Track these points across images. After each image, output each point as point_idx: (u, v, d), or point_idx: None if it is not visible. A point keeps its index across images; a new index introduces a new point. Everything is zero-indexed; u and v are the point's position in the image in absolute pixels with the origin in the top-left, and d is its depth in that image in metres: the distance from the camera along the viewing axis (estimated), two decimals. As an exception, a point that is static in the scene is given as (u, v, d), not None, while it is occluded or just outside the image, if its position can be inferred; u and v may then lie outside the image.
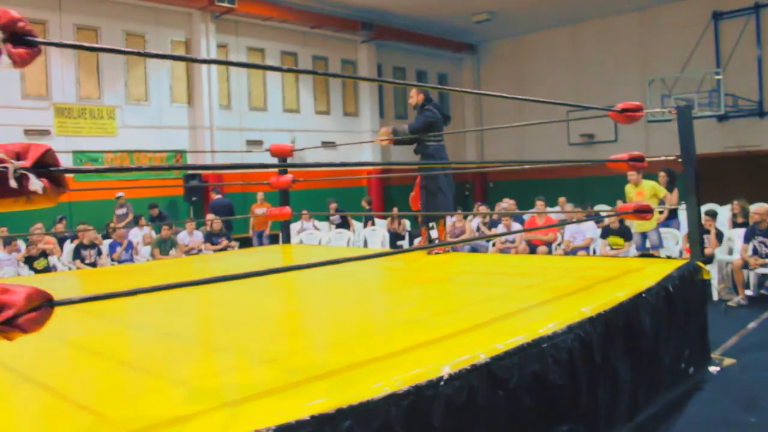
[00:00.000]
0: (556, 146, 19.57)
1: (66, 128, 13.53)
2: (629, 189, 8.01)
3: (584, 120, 17.87)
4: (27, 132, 12.98)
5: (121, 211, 13.38)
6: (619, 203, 12.44)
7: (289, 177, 7.47)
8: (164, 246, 9.67)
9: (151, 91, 14.85)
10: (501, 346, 2.65)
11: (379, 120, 19.17)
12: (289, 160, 7.85)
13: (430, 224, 6.29)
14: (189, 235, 10.19)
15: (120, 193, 13.42)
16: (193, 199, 14.79)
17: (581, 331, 3.07)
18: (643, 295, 3.75)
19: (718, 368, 4.53)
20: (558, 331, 2.94)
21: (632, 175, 7.71)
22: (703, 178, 10.15)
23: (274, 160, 7.44)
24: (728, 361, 4.74)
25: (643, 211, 4.44)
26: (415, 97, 6.25)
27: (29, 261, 8.96)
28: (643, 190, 7.81)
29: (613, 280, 4.06)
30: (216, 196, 13.95)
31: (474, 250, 9.35)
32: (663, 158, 4.72)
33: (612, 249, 7.95)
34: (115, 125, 14.23)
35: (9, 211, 2.08)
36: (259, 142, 16.43)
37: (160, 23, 14.91)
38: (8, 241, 8.79)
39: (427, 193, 6.14)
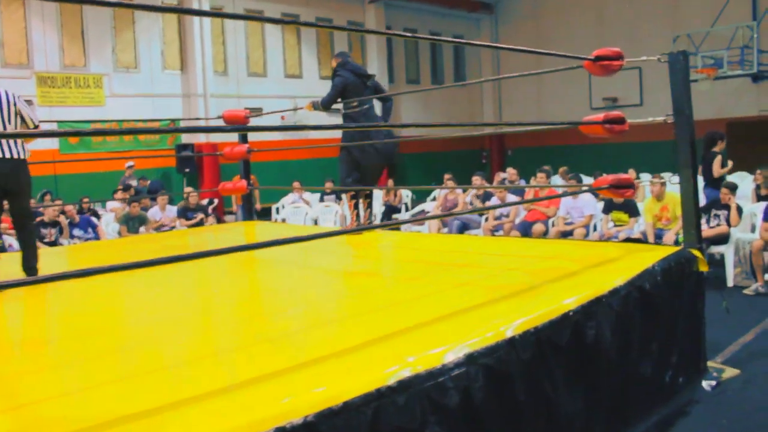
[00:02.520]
0: (578, 110, 18.17)
1: (50, 98, 12.90)
2: (650, 205, 6.70)
3: (608, 81, 16.69)
4: (8, 102, 12.36)
5: (132, 182, 12.76)
6: (624, 174, 11.28)
7: (244, 147, 6.66)
8: (132, 223, 8.97)
9: (141, 58, 14.11)
10: (352, 387, 1.81)
11: (388, 85, 18.17)
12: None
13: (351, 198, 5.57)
14: (161, 211, 9.48)
15: (130, 163, 12.81)
16: (186, 170, 14.11)
17: (491, 360, 2.21)
18: (604, 299, 2.86)
19: (713, 383, 3.61)
20: (449, 363, 2.08)
21: (654, 185, 6.51)
22: (737, 145, 9.10)
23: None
24: (730, 373, 3.82)
25: (622, 186, 3.51)
26: (333, 63, 5.54)
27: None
28: (667, 204, 6.53)
29: (572, 277, 3.17)
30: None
31: (465, 225, 8.46)
32: (654, 119, 3.75)
33: (615, 226, 6.98)
34: (103, 94, 13.55)
35: None
36: (258, 110, 15.61)
37: (149, -16, 14.08)
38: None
39: (341, 163, 5.45)
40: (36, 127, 4.10)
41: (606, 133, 3.53)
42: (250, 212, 7.38)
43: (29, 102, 12.85)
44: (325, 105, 5.38)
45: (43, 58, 12.79)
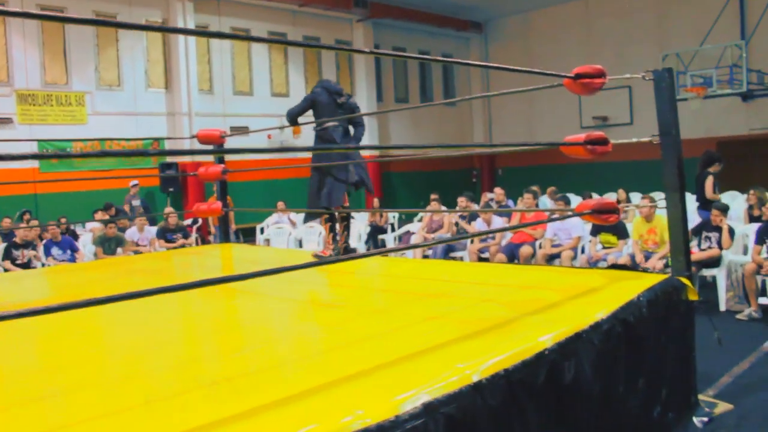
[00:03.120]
0: (568, 129, 17.91)
1: (30, 116, 12.65)
2: (638, 224, 6.46)
3: (598, 100, 16.58)
4: (-14, 120, 12.13)
5: (135, 202, 12.51)
6: (614, 194, 11.03)
7: (219, 167, 6.44)
8: (108, 244, 8.70)
9: (125, 76, 13.89)
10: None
11: (376, 104, 18.03)
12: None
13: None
14: (139, 232, 9.21)
15: (134, 181, 12.59)
16: (170, 189, 13.86)
17: (453, 408, 1.97)
18: (584, 335, 2.63)
19: (705, 419, 3.38)
20: (404, 414, 1.83)
21: (644, 206, 6.30)
22: (727, 164, 9.00)
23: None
24: (723, 407, 3.58)
25: (605, 212, 3.29)
26: None
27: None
28: (655, 227, 6.30)
29: (551, 310, 2.94)
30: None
31: (450, 247, 8.23)
32: (640, 140, 3.55)
33: (604, 248, 6.77)
34: (85, 112, 13.31)
35: None
36: (244, 129, 15.39)
37: (133, 2, 13.90)
38: None
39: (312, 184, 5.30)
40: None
41: (588, 155, 3.32)
42: (226, 234, 7.15)
43: (8, 120, 12.58)
44: (291, 117, 5.29)
45: (24, 75, 12.56)
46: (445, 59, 20.18)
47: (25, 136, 12.29)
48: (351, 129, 5.45)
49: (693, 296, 3.42)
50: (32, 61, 12.64)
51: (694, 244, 6.29)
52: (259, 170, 14.75)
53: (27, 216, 11.46)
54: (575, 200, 8.74)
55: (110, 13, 13.51)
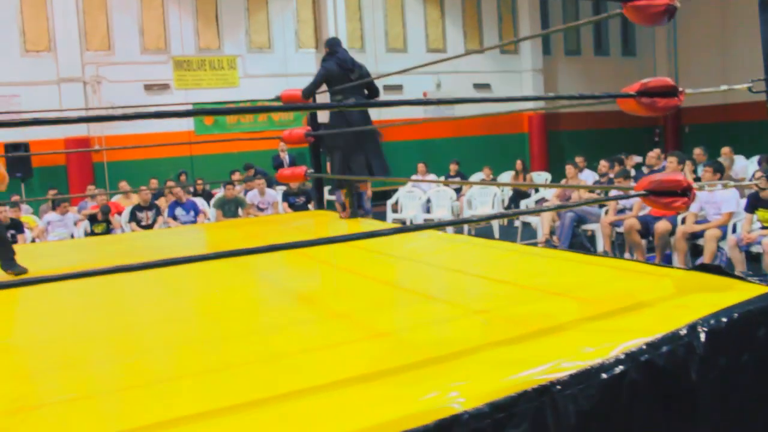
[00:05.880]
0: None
1: (185, 81, 13.12)
2: None
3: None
4: (147, 87, 12.77)
5: (286, 162, 12.54)
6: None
7: (302, 130, 5.96)
8: (228, 207, 8.65)
9: (275, 38, 13.92)
10: None
11: (542, 58, 16.57)
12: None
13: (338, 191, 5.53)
14: (260, 195, 9.07)
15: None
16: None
17: None
18: (556, 386, 1.71)
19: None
20: None
21: None
22: None
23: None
24: None
25: (664, 193, 2.25)
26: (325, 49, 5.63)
27: (92, 222, 8.46)
28: None
29: (549, 336, 2.02)
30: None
31: (581, 218, 7.08)
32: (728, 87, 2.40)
33: (763, 227, 5.30)
34: (237, 75, 13.56)
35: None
36: (398, 87, 14.88)
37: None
38: (58, 203, 8.35)
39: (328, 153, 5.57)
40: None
41: (644, 111, 2.28)
42: (320, 201, 6.66)
43: (166, 86, 13.00)
44: (305, 95, 5.46)
45: (180, 42, 13.02)
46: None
47: (181, 100, 12.77)
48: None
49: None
50: (187, 29, 13.05)
51: None
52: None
53: (183, 177, 11.95)
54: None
55: (261, -26, 13.55)
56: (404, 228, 2.83)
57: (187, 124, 13.05)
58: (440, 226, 6.17)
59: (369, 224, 5.99)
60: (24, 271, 3.53)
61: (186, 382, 1.87)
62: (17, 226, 7.66)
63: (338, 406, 1.57)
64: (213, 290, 3.16)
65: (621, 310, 2.26)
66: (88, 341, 2.44)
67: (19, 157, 10.46)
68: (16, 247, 3.81)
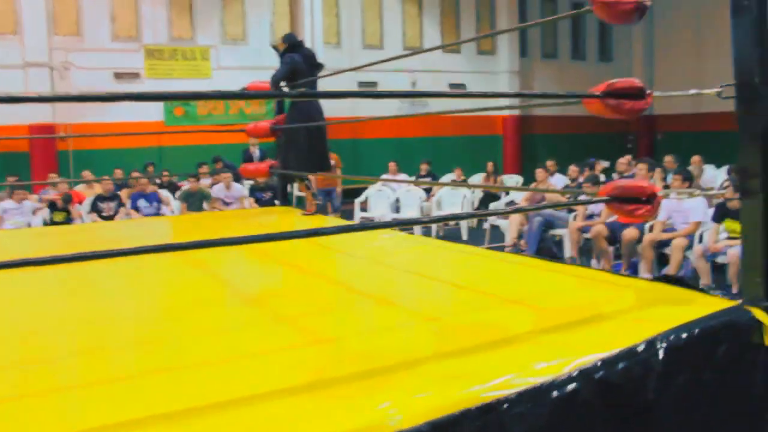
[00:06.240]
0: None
1: (157, 71, 12.84)
2: None
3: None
4: (117, 75, 12.47)
5: (255, 155, 12.31)
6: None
7: (266, 124, 5.79)
8: (193, 199, 8.45)
9: (250, 30, 13.70)
10: None
11: (519, 60, 16.55)
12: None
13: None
14: (226, 189, 8.87)
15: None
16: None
17: None
18: (505, 404, 1.59)
19: None
20: None
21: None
22: None
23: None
24: None
25: (628, 200, 2.14)
26: (280, 44, 5.54)
27: (52, 210, 8.21)
28: None
29: (497, 349, 1.89)
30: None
31: (549, 223, 7.01)
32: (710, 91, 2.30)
33: (730, 238, 5.26)
34: (210, 66, 13.31)
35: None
36: (373, 84, 14.72)
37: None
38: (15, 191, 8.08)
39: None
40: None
41: (610, 113, 2.18)
42: (284, 197, 6.50)
43: (136, 75, 12.74)
44: (274, 82, 5.26)
45: (152, 31, 12.74)
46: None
47: (151, 90, 12.49)
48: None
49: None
50: (160, 17, 12.77)
51: None
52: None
53: (151, 168, 11.69)
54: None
55: (237, -36, 13.31)
56: (351, 227, 2.69)
57: (156, 115, 12.78)
58: (402, 224, 6.05)
59: (334, 222, 5.86)
60: None
61: (96, 390, 1.71)
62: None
63: (253, 423, 1.43)
64: (151, 287, 2.99)
65: (579, 322, 2.15)
66: (13, 340, 2.27)
67: (-22, 142, 10.14)
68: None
